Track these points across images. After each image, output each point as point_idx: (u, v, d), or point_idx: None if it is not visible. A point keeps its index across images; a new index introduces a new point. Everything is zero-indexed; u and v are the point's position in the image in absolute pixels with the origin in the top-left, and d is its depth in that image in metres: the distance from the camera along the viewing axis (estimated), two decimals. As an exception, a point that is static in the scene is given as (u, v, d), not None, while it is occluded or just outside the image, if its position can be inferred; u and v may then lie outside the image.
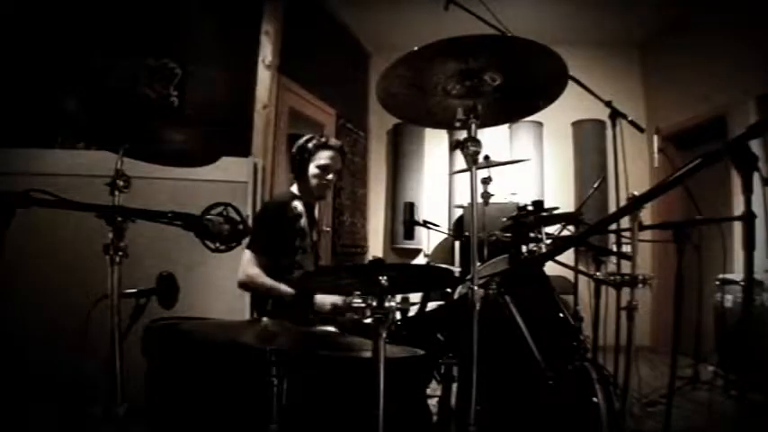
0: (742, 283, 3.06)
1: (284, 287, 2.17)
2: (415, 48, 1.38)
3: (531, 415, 1.83)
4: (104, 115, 1.57)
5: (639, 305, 1.51)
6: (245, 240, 2.08)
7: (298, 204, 2.35)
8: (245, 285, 2.26)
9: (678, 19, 4.86)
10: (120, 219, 1.33)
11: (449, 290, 2.44)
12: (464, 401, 1.80)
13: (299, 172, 2.38)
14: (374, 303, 1.23)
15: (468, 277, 1.54)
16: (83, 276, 1.84)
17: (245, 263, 2.22)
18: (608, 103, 2.70)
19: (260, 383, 1.28)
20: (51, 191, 1.25)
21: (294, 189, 2.42)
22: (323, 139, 2.38)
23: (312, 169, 2.34)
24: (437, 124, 1.73)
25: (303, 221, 2.35)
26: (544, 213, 2.55)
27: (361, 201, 5.80)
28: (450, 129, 1.66)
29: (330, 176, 2.37)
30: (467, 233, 3.86)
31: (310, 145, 2.35)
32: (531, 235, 2.48)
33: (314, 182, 2.36)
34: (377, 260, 1.24)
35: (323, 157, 2.35)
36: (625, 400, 1.68)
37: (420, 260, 5.39)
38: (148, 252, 2.01)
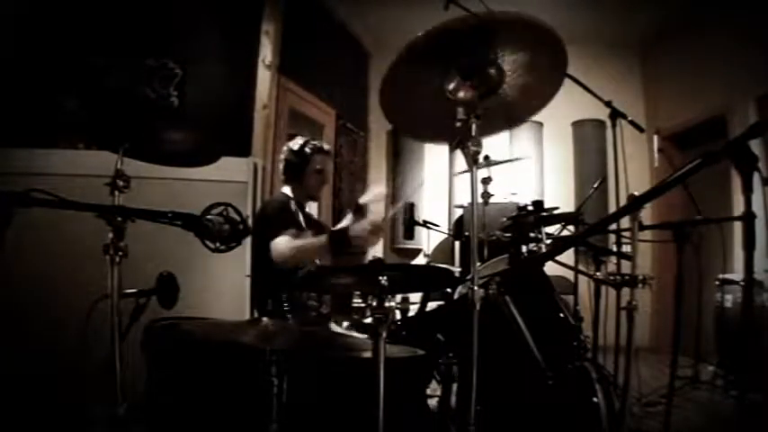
0: (742, 283, 3.06)
1: (316, 238, 2.19)
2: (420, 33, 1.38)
3: (531, 415, 1.83)
4: (104, 115, 1.57)
5: (639, 305, 1.51)
6: (246, 242, 2.07)
7: (293, 204, 2.42)
8: (286, 262, 2.20)
9: (678, 19, 4.86)
10: (120, 219, 1.34)
11: (449, 290, 2.44)
12: (464, 401, 1.80)
13: (294, 175, 2.46)
14: (374, 303, 1.23)
15: (469, 277, 1.54)
16: (83, 276, 1.84)
17: (281, 245, 2.17)
18: (608, 103, 2.70)
19: (260, 383, 1.29)
20: (51, 191, 1.25)
21: (287, 191, 2.46)
22: (318, 144, 2.48)
23: (309, 173, 2.44)
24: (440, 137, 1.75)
25: (300, 220, 2.40)
26: (544, 213, 2.55)
27: (360, 201, 5.80)
28: (452, 145, 1.65)
29: (327, 179, 2.51)
30: (467, 233, 3.86)
31: (307, 150, 2.43)
32: (531, 235, 2.48)
33: (312, 185, 2.47)
34: (377, 260, 1.24)
35: (319, 162, 2.45)
36: (625, 400, 1.68)
37: (420, 260, 5.39)
38: (148, 252, 2.00)
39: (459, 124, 1.54)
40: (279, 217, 2.30)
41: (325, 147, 2.52)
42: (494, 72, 1.49)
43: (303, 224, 2.43)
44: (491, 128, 1.64)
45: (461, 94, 1.52)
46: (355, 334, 2.16)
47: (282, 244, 2.19)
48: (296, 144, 2.45)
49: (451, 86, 1.53)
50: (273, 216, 2.32)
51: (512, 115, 1.69)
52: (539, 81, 1.58)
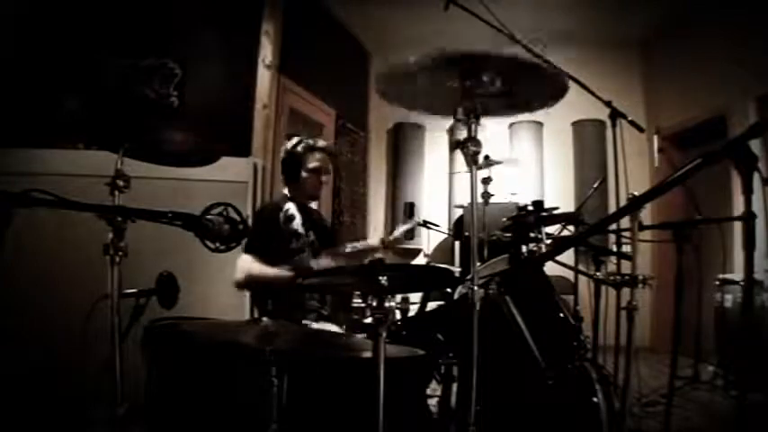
0: (742, 283, 3.06)
1: (283, 271, 2.15)
2: (411, 59, 1.38)
3: (531, 415, 1.83)
4: (104, 115, 1.57)
5: (639, 305, 1.51)
6: (243, 243, 2.07)
7: (290, 206, 2.37)
8: (245, 284, 2.25)
9: (678, 19, 4.86)
10: (120, 219, 1.34)
11: (449, 290, 2.44)
12: (464, 401, 1.80)
13: (290, 175, 2.41)
14: (374, 303, 1.23)
15: (468, 277, 1.54)
16: (83, 276, 1.84)
17: (243, 263, 2.20)
18: (608, 103, 2.70)
19: (260, 383, 1.29)
20: (51, 191, 1.25)
21: (287, 191, 2.44)
22: (311, 142, 2.42)
23: (304, 173, 2.38)
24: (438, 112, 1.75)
25: (296, 223, 2.35)
26: (544, 213, 2.55)
27: (360, 201, 5.80)
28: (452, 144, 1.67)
29: (324, 178, 2.42)
30: (467, 233, 3.85)
31: (299, 149, 2.38)
32: (531, 235, 2.48)
33: (308, 184, 2.40)
34: (377, 260, 1.24)
35: (314, 160, 2.38)
36: (625, 400, 1.68)
37: (420, 260, 5.38)
38: (148, 252, 2.01)
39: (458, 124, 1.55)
40: (260, 230, 2.25)
41: (320, 144, 2.45)
42: (491, 76, 1.49)
43: (301, 227, 2.37)
44: (492, 112, 1.64)
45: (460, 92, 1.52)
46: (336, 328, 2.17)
47: (245, 265, 2.18)
48: (291, 143, 2.42)
49: (451, 84, 1.53)
50: (255, 228, 2.26)
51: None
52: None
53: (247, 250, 2.20)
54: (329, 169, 2.46)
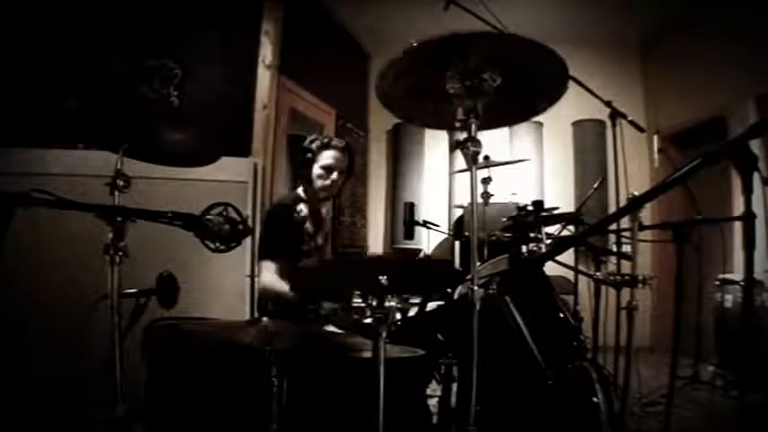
0: (742, 283, 3.06)
1: (290, 294, 2.10)
2: (414, 43, 1.37)
3: (531, 415, 1.83)
4: (104, 115, 1.57)
5: (639, 305, 1.51)
6: (246, 242, 2.06)
7: (303, 207, 2.32)
8: (262, 296, 2.23)
9: (678, 19, 4.86)
10: (120, 219, 1.34)
11: (449, 290, 2.43)
12: (464, 401, 1.80)
13: (303, 174, 2.35)
14: (374, 303, 1.23)
15: (468, 277, 1.54)
16: (83, 276, 1.84)
17: (263, 275, 2.17)
18: (608, 104, 2.71)
19: (260, 383, 1.29)
20: (51, 191, 1.25)
21: (300, 191, 2.39)
22: (325, 140, 2.34)
23: (316, 170, 2.31)
24: (437, 125, 1.74)
25: (308, 224, 2.33)
26: (544, 213, 2.55)
27: (361, 201, 5.80)
28: (450, 129, 1.65)
29: (334, 176, 2.32)
30: (467, 233, 3.85)
31: (313, 146, 2.32)
32: (531, 235, 2.48)
33: (319, 183, 2.32)
34: (377, 258, 1.24)
35: (326, 158, 2.31)
36: (625, 400, 1.68)
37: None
38: (148, 252, 2.01)
39: (458, 124, 1.54)
40: (274, 231, 2.23)
41: (333, 141, 2.35)
42: (490, 76, 1.48)
43: (311, 229, 2.35)
44: (494, 122, 1.63)
45: (460, 93, 1.52)
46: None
47: (266, 278, 2.16)
48: (306, 140, 2.37)
49: (451, 89, 1.52)
50: (268, 228, 2.27)
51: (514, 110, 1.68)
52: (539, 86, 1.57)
53: (265, 256, 2.17)
54: (343, 168, 2.36)
